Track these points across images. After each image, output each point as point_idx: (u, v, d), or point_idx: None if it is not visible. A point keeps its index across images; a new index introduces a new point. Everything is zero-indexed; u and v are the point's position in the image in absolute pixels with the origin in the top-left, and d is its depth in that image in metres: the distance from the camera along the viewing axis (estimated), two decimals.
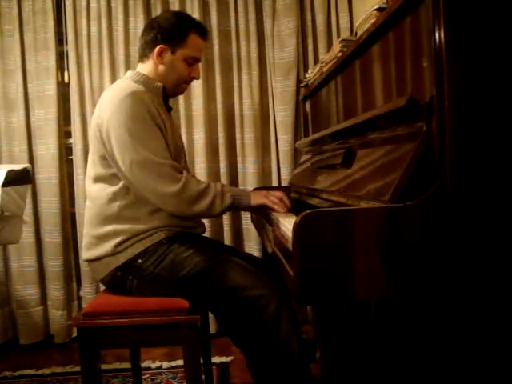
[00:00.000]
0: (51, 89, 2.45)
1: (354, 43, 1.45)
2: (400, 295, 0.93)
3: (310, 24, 2.50)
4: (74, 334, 2.47)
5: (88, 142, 2.23)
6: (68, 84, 2.51)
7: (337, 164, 1.43)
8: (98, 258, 1.46)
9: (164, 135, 1.45)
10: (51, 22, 2.45)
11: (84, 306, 2.46)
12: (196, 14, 2.41)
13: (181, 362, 2.10)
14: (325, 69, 1.87)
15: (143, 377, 1.98)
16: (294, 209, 1.53)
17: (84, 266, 2.46)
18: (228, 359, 2.20)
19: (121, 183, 1.44)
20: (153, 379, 2.04)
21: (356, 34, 1.62)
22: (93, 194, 1.50)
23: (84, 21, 2.45)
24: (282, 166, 2.51)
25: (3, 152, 2.49)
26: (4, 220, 1.69)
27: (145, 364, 2.14)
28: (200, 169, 2.49)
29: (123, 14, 2.45)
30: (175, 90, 1.61)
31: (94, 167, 1.49)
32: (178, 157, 1.55)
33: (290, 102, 2.49)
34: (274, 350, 1.32)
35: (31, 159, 2.49)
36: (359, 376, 1.59)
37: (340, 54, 1.66)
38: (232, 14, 2.50)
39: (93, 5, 2.45)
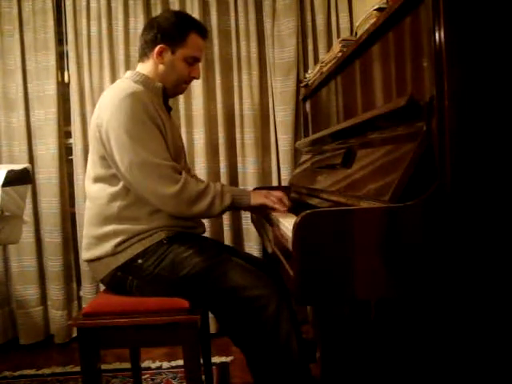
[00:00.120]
0: (51, 89, 2.45)
1: (354, 43, 1.45)
2: (400, 295, 0.93)
3: (309, 24, 2.50)
4: (74, 334, 2.47)
5: (88, 142, 2.23)
6: (68, 84, 2.51)
7: (337, 164, 1.43)
8: (98, 258, 1.46)
9: (163, 136, 1.45)
10: (51, 22, 2.45)
11: (84, 305, 2.46)
12: (196, 14, 2.41)
13: (181, 362, 2.10)
14: (325, 69, 1.87)
15: (143, 377, 1.98)
16: (293, 209, 1.53)
17: (84, 266, 2.46)
18: (228, 359, 2.20)
19: (121, 184, 1.44)
20: (153, 379, 2.04)
21: (356, 34, 1.62)
22: (93, 194, 1.50)
23: (84, 21, 2.45)
24: (282, 165, 2.51)
25: (3, 152, 2.49)
26: (4, 220, 1.69)
27: (145, 364, 2.14)
28: (200, 169, 2.49)
29: (123, 14, 2.45)
30: (175, 89, 1.61)
31: (93, 167, 1.49)
32: (178, 157, 1.55)
33: (290, 102, 2.49)
34: (273, 349, 1.32)
35: (31, 159, 2.49)
36: (359, 376, 1.59)
37: (340, 54, 1.66)
38: (232, 13, 2.50)
39: (93, 5, 2.45)
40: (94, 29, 2.46)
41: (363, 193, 1.12)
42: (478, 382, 0.97)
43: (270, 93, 2.54)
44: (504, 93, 0.94)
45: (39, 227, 2.52)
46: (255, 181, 2.50)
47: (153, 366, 2.17)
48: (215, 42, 2.49)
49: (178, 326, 1.38)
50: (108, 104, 1.42)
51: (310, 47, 2.51)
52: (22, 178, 1.76)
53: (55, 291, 2.49)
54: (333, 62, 1.73)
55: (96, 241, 1.47)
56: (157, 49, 1.52)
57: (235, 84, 2.52)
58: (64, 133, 2.56)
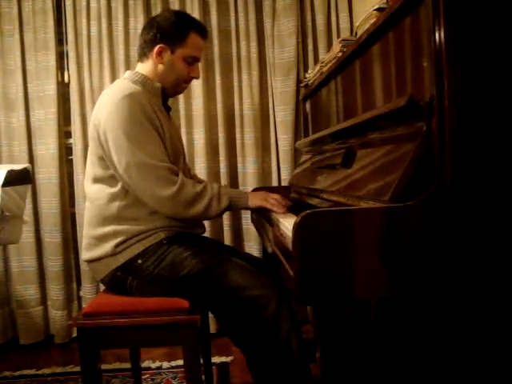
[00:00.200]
0: (51, 89, 2.45)
1: (354, 43, 1.45)
2: (400, 295, 0.93)
3: (309, 24, 2.50)
4: (74, 334, 2.47)
5: (88, 142, 2.23)
6: (68, 84, 2.51)
7: (337, 164, 1.43)
8: (98, 259, 1.46)
9: (161, 137, 1.45)
10: (51, 22, 2.45)
11: (84, 305, 2.46)
12: (196, 14, 2.41)
13: (181, 362, 2.09)
14: (325, 69, 1.87)
15: (143, 377, 1.98)
16: (294, 209, 1.53)
17: (84, 266, 2.46)
18: (228, 359, 2.20)
19: (120, 184, 1.44)
20: (153, 379, 2.04)
21: (356, 34, 1.62)
22: (92, 194, 1.49)
23: (84, 21, 2.45)
24: (281, 165, 2.51)
25: (3, 152, 2.49)
26: (4, 220, 1.69)
27: (145, 364, 2.14)
28: (200, 169, 2.49)
29: (123, 14, 2.45)
30: (175, 89, 1.61)
31: (92, 168, 1.49)
32: (177, 158, 1.55)
33: (290, 102, 2.49)
34: (273, 349, 1.32)
35: (31, 159, 2.49)
36: (359, 376, 1.59)
37: (340, 54, 1.66)
38: (232, 13, 2.50)
39: (93, 5, 2.45)
40: (94, 29, 2.46)
41: (363, 193, 1.12)
42: (478, 381, 0.97)
43: (270, 93, 2.54)
44: (504, 93, 0.94)
45: (39, 227, 2.52)
46: (255, 181, 2.50)
47: (153, 365, 2.17)
48: (215, 41, 2.49)
49: (177, 325, 1.38)
50: (106, 105, 1.42)
51: (310, 47, 2.51)
52: (22, 178, 1.76)
53: (55, 291, 2.49)
54: (333, 61, 1.73)
55: (96, 241, 1.47)
56: (156, 48, 1.52)
57: (235, 84, 2.52)
58: (64, 133, 2.56)
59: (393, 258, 0.91)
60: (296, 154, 2.49)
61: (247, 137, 2.51)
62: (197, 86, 2.44)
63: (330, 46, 2.43)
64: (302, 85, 2.37)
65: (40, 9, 2.45)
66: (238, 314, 1.36)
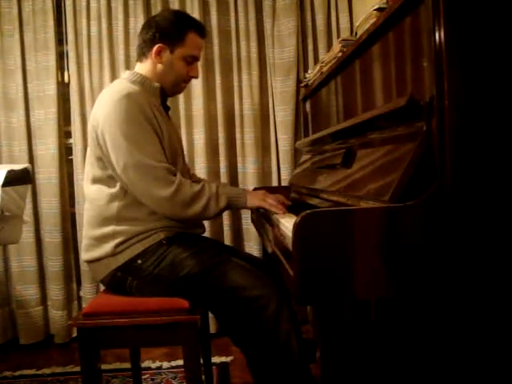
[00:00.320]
0: (51, 89, 2.46)
1: (354, 43, 1.45)
2: (400, 295, 0.93)
3: (309, 24, 2.50)
4: (74, 334, 2.47)
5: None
6: (68, 84, 2.51)
7: (337, 164, 1.43)
8: (98, 259, 1.46)
9: (160, 137, 1.44)
10: (51, 22, 2.45)
11: (84, 305, 2.46)
12: (196, 14, 2.41)
13: (181, 362, 2.09)
14: (325, 69, 1.87)
15: (143, 377, 1.98)
16: (293, 209, 1.53)
17: (84, 266, 2.46)
18: (228, 359, 2.20)
19: (118, 184, 1.43)
20: (153, 379, 2.04)
21: (356, 33, 1.62)
22: (91, 195, 1.49)
23: (84, 21, 2.45)
24: (281, 165, 2.51)
25: (3, 152, 2.49)
26: (4, 220, 1.69)
27: (145, 364, 2.15)
28: (200, 169, 2.49)
29: (123, 14, 2.45)
30: (174, 89, 1.61)
31: (91, 168, 1.49)
32: (175, 158, 1.54)
33: (290, 102, 2.49)
34: (273, 349, 1.32)
35: (31, 159, 2.49)
36: (359, 376, 1.59)
37: (340, 54, 1.66)
38: (232, 13, 2.50)
39: (93, 5, 2.45)
40: (94, 29, 2.46)
41: (363, 193, 1.12)
42: (478, 381, 0.97)
43: (270, 93, 2.54)
44: (504, 93, 0.94)
45: (39, 227, 2.52)
46: (255, 181, 2.50)
47: (153, 365, 2.17)
48: (215, 41, 2.49)
49: (177, 326, 1.38)
50: (104, 105, 1.42)
51: (310, 47, 2.51)
52: (22, 178, 1.76)
53: (55, 291, 2.49)
54: (333, 62, 1.73)
55: (95, 242, 1.46)
56: (155, 48, 1.52)
57: (235, 84, 2.52)
58: (64, 133, 2.56)
59: (393, 258, 0.91)
60: (296, 153, 2.49)
61: (247, 137, 2.51)
62: (197, 85, 2.44)
63: (329, 46, 2.43)
64: (301, 85, 2.37)
65: (40, 9, 2.45)
66: (237, 314, 1.36)
